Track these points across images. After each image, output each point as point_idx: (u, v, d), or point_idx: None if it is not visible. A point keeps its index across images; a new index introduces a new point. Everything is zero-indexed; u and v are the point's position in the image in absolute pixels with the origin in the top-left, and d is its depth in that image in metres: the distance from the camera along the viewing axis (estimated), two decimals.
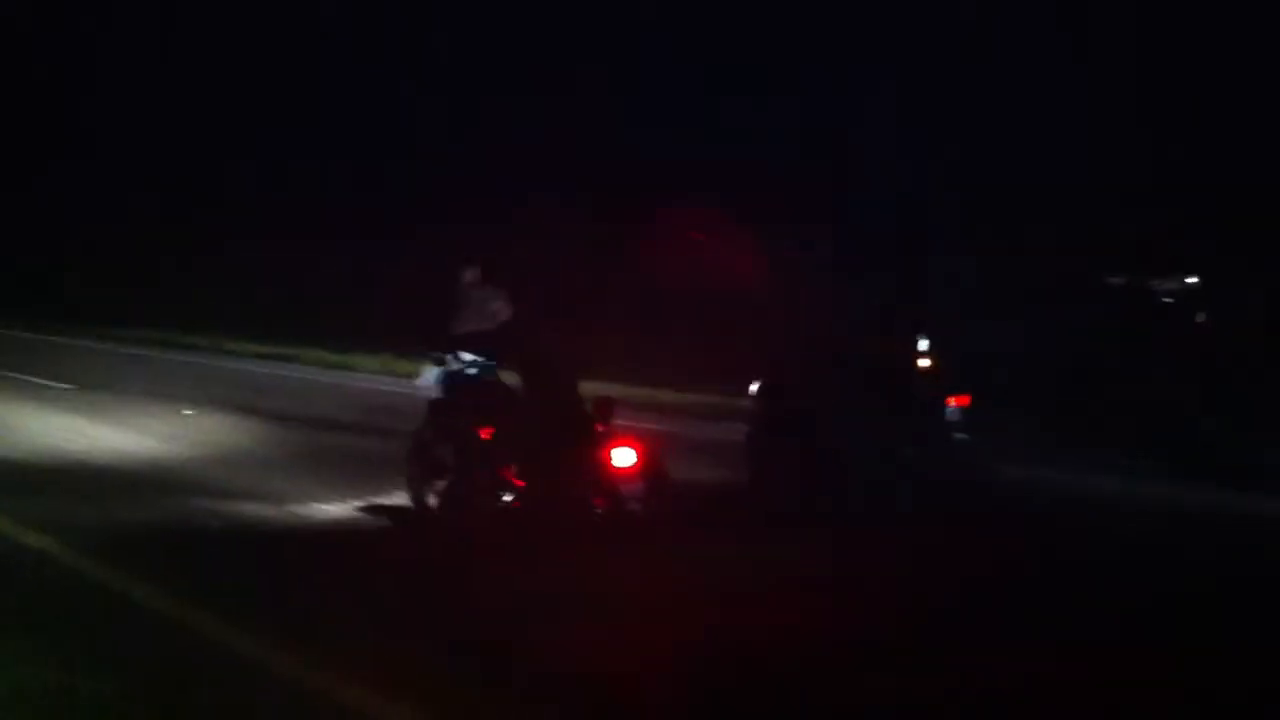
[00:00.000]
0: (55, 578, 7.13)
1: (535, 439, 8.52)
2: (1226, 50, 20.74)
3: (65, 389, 17.32)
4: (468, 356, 9.48)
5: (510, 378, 9.21)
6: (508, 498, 8.58)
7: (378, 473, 10.11)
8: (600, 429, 8.41)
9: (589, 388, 9.12)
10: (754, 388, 11.80)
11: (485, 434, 8.78)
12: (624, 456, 8.20)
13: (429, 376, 12.87)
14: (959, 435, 11.12)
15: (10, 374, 18.75)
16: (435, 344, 9.78)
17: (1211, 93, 20.72)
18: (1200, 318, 15.81)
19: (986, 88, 22.11)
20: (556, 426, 8.47)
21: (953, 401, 11.22)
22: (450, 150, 29.44)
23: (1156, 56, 20.93)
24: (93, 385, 17.88)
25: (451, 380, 9.36)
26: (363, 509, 9.52)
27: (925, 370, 11.51)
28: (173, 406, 15.60)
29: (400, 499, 9.41)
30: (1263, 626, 6.69)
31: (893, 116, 23.06)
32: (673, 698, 5.21)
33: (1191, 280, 16.02)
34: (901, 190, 21.75)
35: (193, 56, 37.46)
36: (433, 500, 9.11)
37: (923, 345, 12.12)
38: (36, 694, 4.89)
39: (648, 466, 8.26)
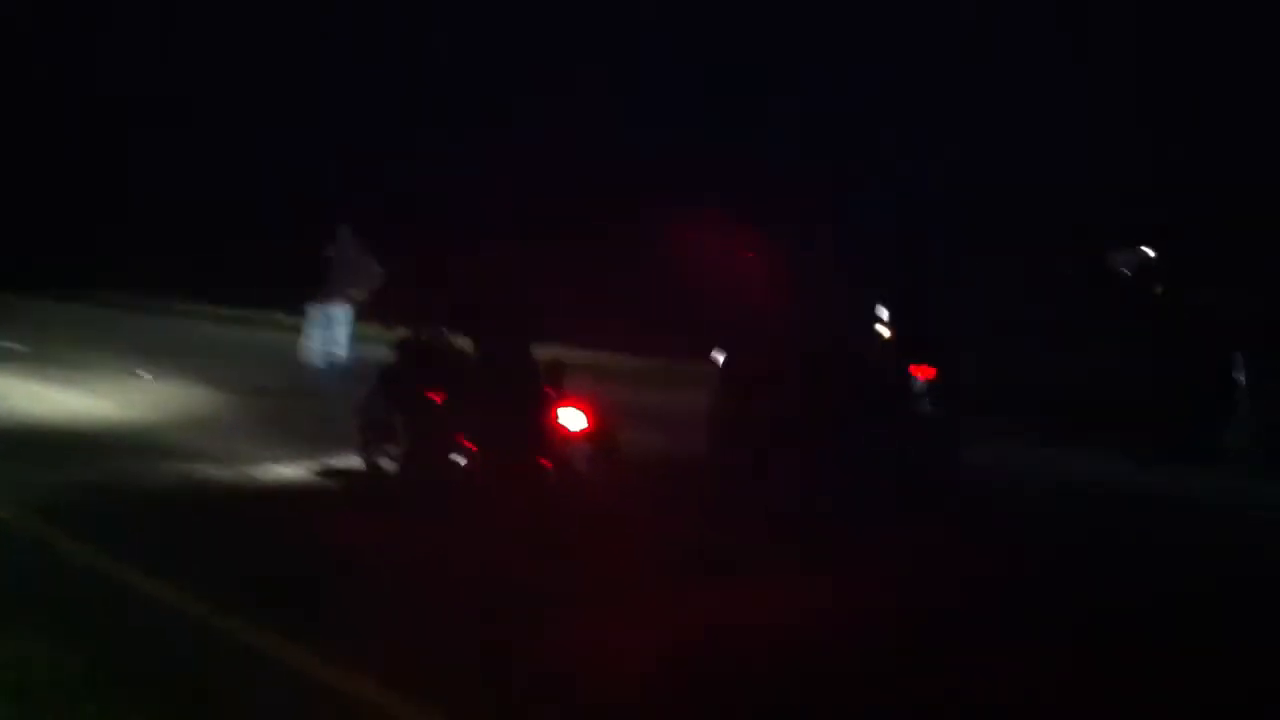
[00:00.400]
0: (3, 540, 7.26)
1: (487, 403, 8.68)
2: (1225, 47, 20.93)
3: (20, 350, 17.31)
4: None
5: (462, 342, 9.34)
6: (460, 461, 8.73)
7: (332, 436, 10.17)
8: (550, 393, 8.57)
9: (543, 352, 9.30)
10: (717, 356, 11.90)
11: (437, 398, 8.94)
12: (574, 420, 8.37)
13: (314, 342, 13.29)
14: (925, 407, 11.15)
15: None
16: (387, 313, 9.93)
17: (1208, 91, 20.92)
18: (1158, 290, 16.06)
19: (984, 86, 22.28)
20: (508, 390, 8.63)
21: (918, 373, 11.25)
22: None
23: (1155, 55, 21.10)
24: (49, 347, 17.83)
25: (403, 345, 9.49)
26: (316, 471, 9.69)
27: (886, 341, 11.55)
28: (129, 369, 15.64)
29: (354, 461, 9.57)
30: (1232, 609, 6.87)
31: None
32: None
33: (1148, 252, 16.26)
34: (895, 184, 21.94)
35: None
36: (385, 463, 9.28)
37: (883, 314, 12.19)
38: None
39: (597, 429, 8.43)
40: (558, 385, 8.62)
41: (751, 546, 7.84)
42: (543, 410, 8.44)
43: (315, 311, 14.07)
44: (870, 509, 9.15)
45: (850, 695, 5.20)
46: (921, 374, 11.16)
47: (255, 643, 5.50)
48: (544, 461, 8.40)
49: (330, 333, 13.99)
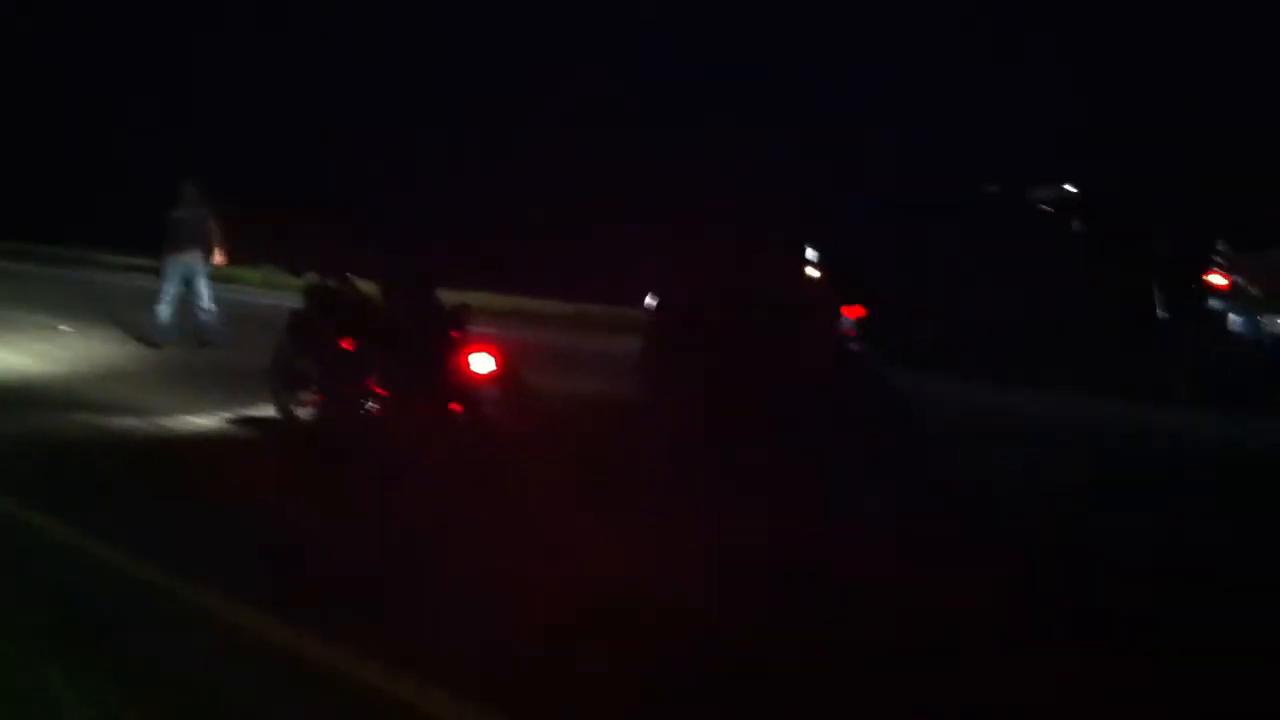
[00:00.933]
0: None
1: (394, 348, 8.93)
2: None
3: None
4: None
5: (368, 288, 9.58)
6: (371, 406, 8.99)
7: (251, 386, 10.39)
8: (457, 336, 8.83)
9: (468, 297, 9.55)
10: (649, 301, 12.12)
11: (346, 345, 9.18)
12: (481, 362, 8.63)
13: (164, 311, 13.64)
14: (853, 345, 11.39)
15: None
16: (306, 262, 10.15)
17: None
18: (1077, 226, 16.42)
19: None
20: (415, 335, 8.89)
21: (847, 312, 11.49)
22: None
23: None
24: None
25: (312, 292, 9.73)
26: (231, 421, 9.92)
27: (816, 281, 11.78)
28: (48, 323, 15.74)
29: (268, 411, 9.82)
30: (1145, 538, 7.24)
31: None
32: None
33: (1069, 189, 16.64)
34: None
35: None
36: (298, 411, 9.53)
37: (810, 255, 12.44)
38: None
39: (504, 372, 8.70)
40: (464, 329, 8.87)
41: (650, 486, 8.20)
42: (450, 354, 8.68)
43: (171, 268, 14.36)
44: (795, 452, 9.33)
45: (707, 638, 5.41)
46: (851, 313, 11.43)
47: (152, 579, 5.79)
48: (453, 405, 8.66)
49: (195, 288, 14.29)
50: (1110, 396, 12.53)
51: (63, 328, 15.47)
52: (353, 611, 5.46)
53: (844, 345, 11.38)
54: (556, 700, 4.66)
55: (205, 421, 9.88)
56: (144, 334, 14.41)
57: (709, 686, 4.83)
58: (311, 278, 9.84)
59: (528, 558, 6.43)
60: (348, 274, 9.63)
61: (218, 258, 14.54)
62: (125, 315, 16.22)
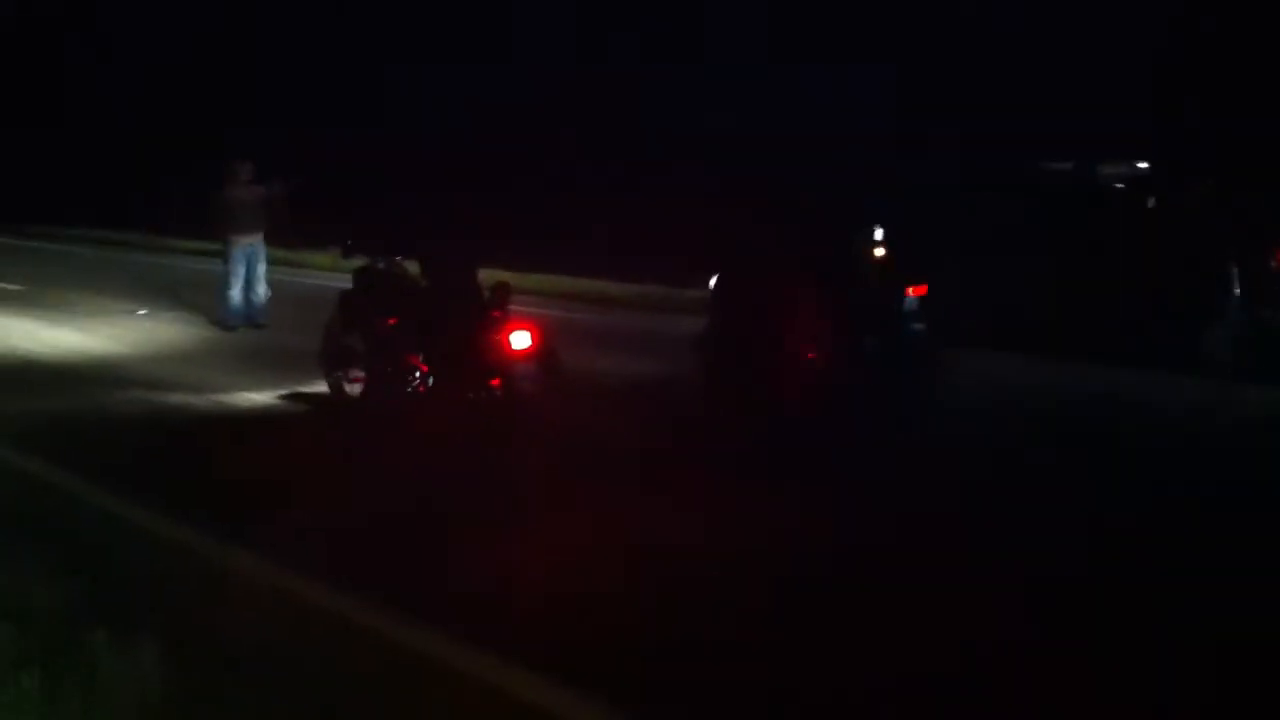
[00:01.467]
0: None
1: (435, 326, 9.29)
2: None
3: (16, 290, 18.06)
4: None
5: (412, 268, 9.95)
6: (414, 382, 9.37)
7: (309, 365, 10.69)
8: (497, 314, 9.16)
9: (528, 279, 9.85)
10: (711, 283, 12.37)
11: (390, 322, 9.57)
12: (520, 339, 8.95)
13: (234, 295, 14.07)
14: (916, 325, 11.52)
15: None
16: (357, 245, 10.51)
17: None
18: (1150, 203, 16.36)
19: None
20: (455, 313, 9.24)
21: (910, 291, 11.59)
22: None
23: None
24: (47, 286, 18.61)
25: (360, 273, 10.12)
26: (283, 397, 10.40)
27: (881, 260, 11.90)
28: (125, 308, 16.34)
29: (320, 387, 10.26)
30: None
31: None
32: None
33: (1142, 166, 16.58)
34: None
35: None
36: (348, 387, 9.94)
37: (878, 235, 12.57)
38: None
39: (541, 349, 9.02)
40: (504, 307, 9.19)
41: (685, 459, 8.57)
42: (489, 332, 9.01)
43: (235, 250, 14.84)
44: (856, 425, 9.78)
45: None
46: (914, 292, 11.55)
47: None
48: (492, 381, 9.00)
49: (257, 270, 14.80)
50: (1182, 374, 12.56)
51: (140, 312, 16.00)
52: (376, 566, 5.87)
53: (908, 324, 11.49)
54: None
55: (259, 397, 10.42)
56: (217, 318, 14.88)
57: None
58: (359, 259, 10.21)
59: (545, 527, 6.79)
60: (394, 255, 9.98)
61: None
62: (199, 299, 16.73)
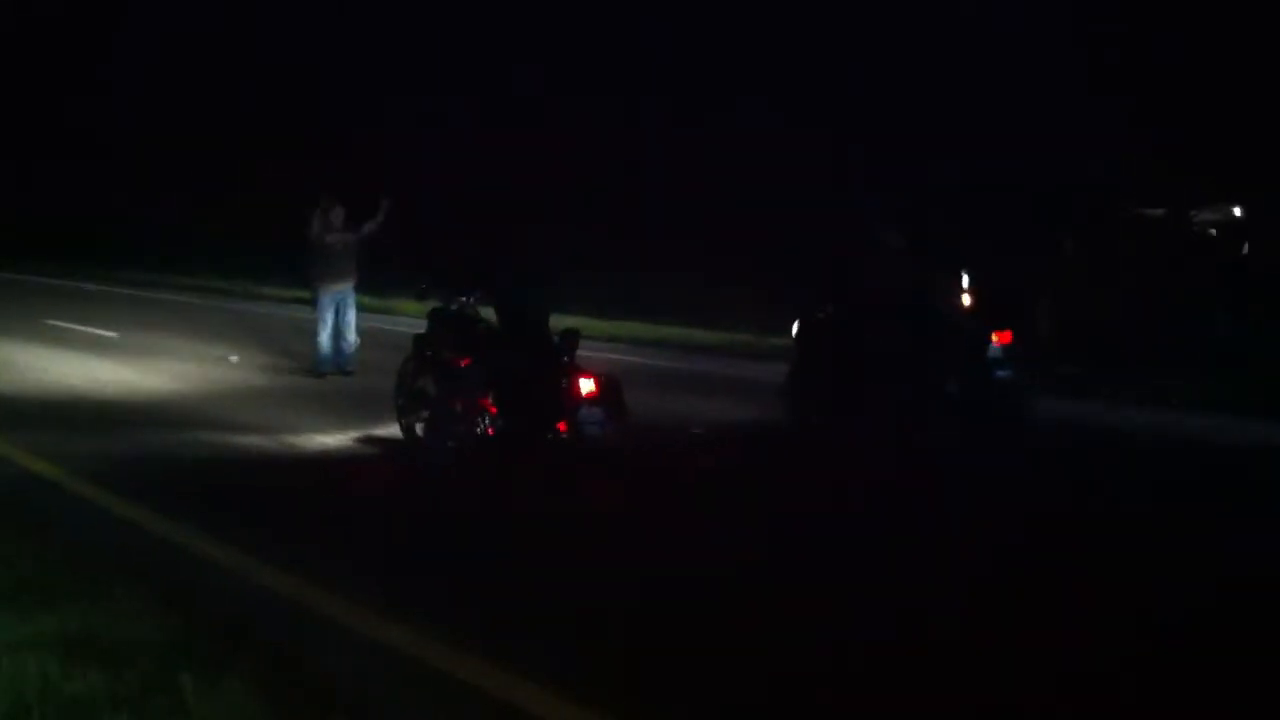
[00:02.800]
0: (52, 499, 8.32)
1: (507, 369, 9.42)
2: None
3: (111, 336, 18.57)
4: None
5: (487, 313, 10.11)
6: (484, 424, 9.50)
7: (387, 410, 10.93)
8: (565, 360, 9.30)
9: (624, 326, 9.93)
10: (795, 328, 12.47)
11: (462, 363, 9.72)
12: (586, 385, 9.08)
13: (324, 343, 14.29)
14: (1001, 372, 11.47)
15: (62, 323, 20.17)
16: (431, 287, 10.71)
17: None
18: (1245, 249, 16.16)
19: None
20: (525, 357, 9.38)
21: (996, 338, 11.53)
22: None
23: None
24: (140, 335, 19.13)
25: (434, 315, 10.29)
26: (357, 439, 10.61)
27: (968, 307, 11.87)
28: (217, 353, 16.73)
29: (394, 430, 10.43)
30: None
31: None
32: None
33: (1236, 212, 16.37)
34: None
35: None
36: (419, 427, 10.10)
37: (964, 281, 12.54)
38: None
39: (607, 394, 9.13)
40: (572, 353, 9.34)
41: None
42: (557, 377, 9.15)
43: (325, 298, 15.08)
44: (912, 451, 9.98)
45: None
46: (1000, 338, 11.49)
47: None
48: (559, 425, 9.11)
49: (346, 318, 15.04)
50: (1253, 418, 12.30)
51: (231, 358, 16.39)
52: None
53: (992, 371, 11.42)
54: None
55: (330, 440, 10.65)
56: (308, 365, 15.12)
57: None
58: (434, 301, 10.39)
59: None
60: (467, 297, 10.15)
61: None
62: (289, 346, 17.12)
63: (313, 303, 15.32)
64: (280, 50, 36.29)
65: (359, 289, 15.42)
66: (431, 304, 10.51)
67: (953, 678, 5.26)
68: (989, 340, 11.34)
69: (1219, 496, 9.14)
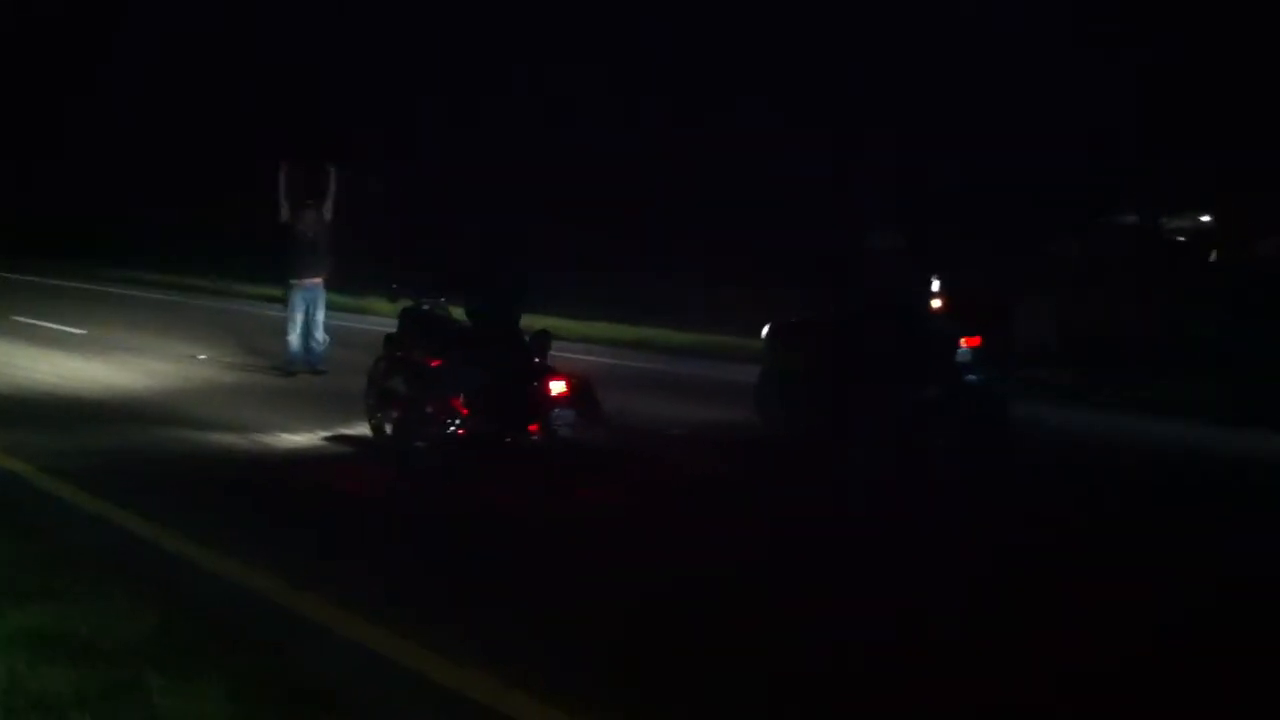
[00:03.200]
0: (22, 496, 8.28)
1: (478, 370, 9.42)
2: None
3: (79, 334, 18.47)
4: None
5: (457, 313, 10.10)
6: (454, 425, 9.48)
7: (357, 409, 10.90)
8: (537, 361, 9.30)
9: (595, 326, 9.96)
10: (765, 331, 12.52)
11: (433, 364, 9.70)
12: (557, 386, 9.09)
13: (293, 341, 14.16)
14: (969, 376, 11.53)
15: (30, 320, 20.03)
16: (403, 287, 10.69)
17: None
18: (1213, 257, 16.31)
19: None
20: (497, 357, 9.37)
21: (964, 343, 11.57)
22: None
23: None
24: (108, 332, 19.05)
25: (406, 315, 10.28)
26: (325, 438, 10.59)
27: (936, 311, 11.93)
28: (186, 351, 16.67)
29: (364, 429, 10.41)
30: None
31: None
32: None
33: (1205, 219, 16.52)
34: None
35: None
36: (389, 429, 10.08)
37: (935, 286, 12.61)
38: None
39: (579, 396, 9.14)
40: (544, 355, 9.35)
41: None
42: (529, 379, 9.15)
43: (295, 296, 15.07)
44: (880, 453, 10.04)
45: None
46: (968, 342, 11.54)
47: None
48: (531, 426, 9.11)
49: (316, 316, 15.01)
50: (1246, 426, 12.52)
51: (200, 357, 16.33)
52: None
53: (961, 376, 11.47)
54: None
55: (300, 439, 10.64)
56: (277, 363, 15.08)
57: None
58: (405, 300, 10.38)
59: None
60: (438, 297, 10.14)
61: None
62: (260, 344, 17.09)
63: (284, 301, 15.29)
64: (280, 50, 36.16)
65: (329, 285, 15.37)
66: (403, 304, 10.50)
67: (950, 678, 5.33)
68: (957, 344, 11.40)
69: (1198, 501, 9.42)
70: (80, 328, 19.07)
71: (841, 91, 24.89)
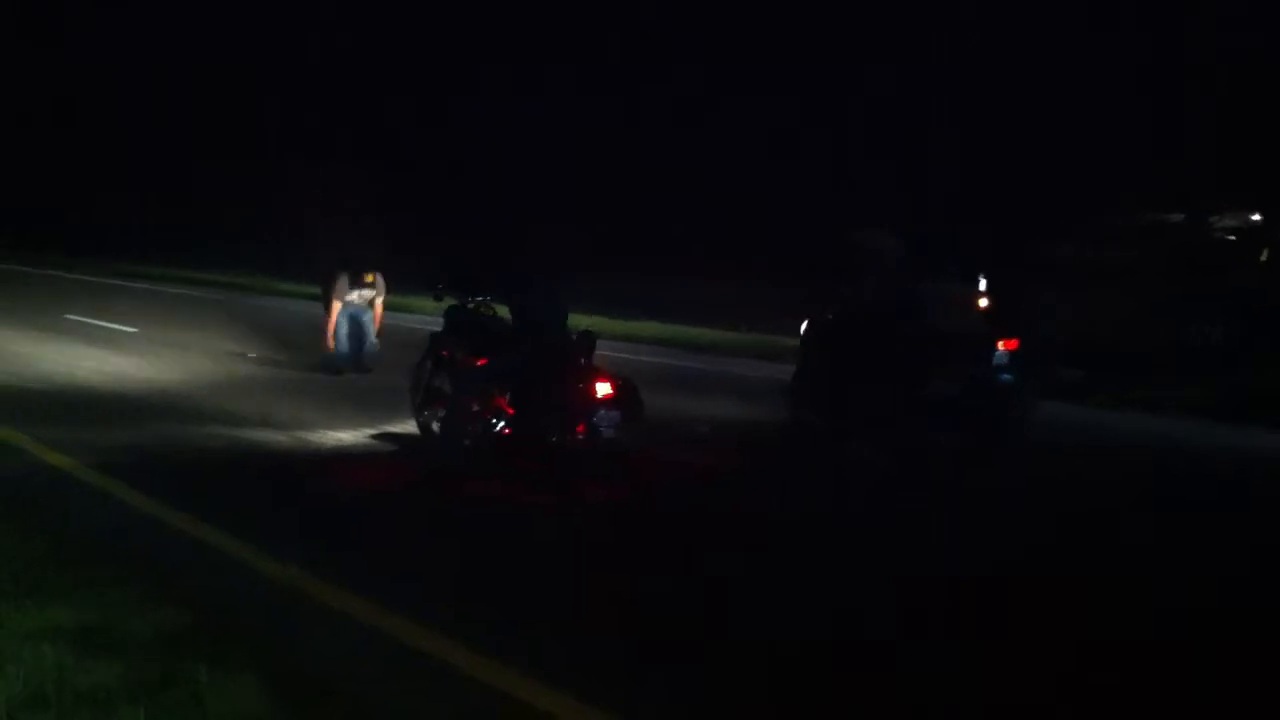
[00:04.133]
0: (72, 492, 8.39)
1: (523, 369, 9.45)
2: None
3: (129, 332, 18.64)
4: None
5: (503, 312, 10.14)
6: (500, 424, 9.52)
7: (403, 407, 11.02)
8: (582, 361, 9.32)
9: (638, 326, 10.01)
10: (805, 327, 12.51)
11: (479, 363, 9.74)
12: (602, 388, 9.10)
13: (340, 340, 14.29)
14: (1004, 376, 11.49)
15: (81, 318, 20.34)
16: (448, 286, 10.74)
17: None
18: (1264, 256, 16.10)
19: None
20: (542, 358, 9.40)
21: (1001, 345, 11.55)
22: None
23: None
24: (158, 330, 19.28)
25: (451, 315, 10.33)
26: (371, 436, 10.65)
27: (983, 310, 11.91)
28: (235, 349, 16.83)
29: (410, 427, 10.48)
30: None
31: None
32: None
33: (1255, 218, 16.32)
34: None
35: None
36: (435, 425, 10.13)
37: (982, 285, 12.61)
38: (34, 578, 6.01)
39: (622, 396, 9.15)
40: (589, 355, 9.37)
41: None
42: (574, 379, 9.18)
43: (339, 303, 15.12)
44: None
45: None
46: (1005, 345, 11.53)
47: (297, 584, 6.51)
48: (577, 427, 9.13)
49: (364, 319, 15.06)
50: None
51: (250, 355, 16.51)
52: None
53: (996, 376, 11.46)
54: None
55: (346, 436, 10.70)
56: (324, 362, 15.15)
57: None
58: (450, 299, 10.43)
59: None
60: (483, 296, 10.19)
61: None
62: (308, 342, 17.13)
63: (324, 305, 15.36)
64: (319, 51, 36.51)
65: None
66: (448, 303, 10.56)
67: (952, 675, 5.37)
68: (994, 346, 11.37)
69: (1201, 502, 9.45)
70: (131, 325, 19.27)
71: (852, 91, 24.98)
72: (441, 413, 10.09)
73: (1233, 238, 16.41)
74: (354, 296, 14.90)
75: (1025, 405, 11.37)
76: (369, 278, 14.91)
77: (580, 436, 9.15)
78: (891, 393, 10.98)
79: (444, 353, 10.24)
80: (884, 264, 11.99)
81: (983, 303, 11.96)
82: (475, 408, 9.70)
